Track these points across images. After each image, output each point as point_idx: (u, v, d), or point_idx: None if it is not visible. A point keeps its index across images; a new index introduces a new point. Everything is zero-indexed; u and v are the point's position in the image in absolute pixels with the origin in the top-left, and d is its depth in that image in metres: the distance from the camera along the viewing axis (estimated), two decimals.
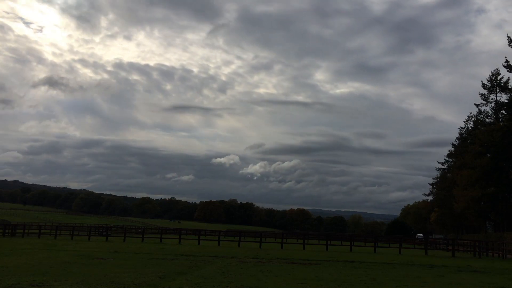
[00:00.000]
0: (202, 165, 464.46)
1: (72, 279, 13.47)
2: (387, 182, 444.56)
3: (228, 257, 25.04)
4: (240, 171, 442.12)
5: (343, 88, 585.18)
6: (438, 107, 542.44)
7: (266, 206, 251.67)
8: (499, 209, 62.58)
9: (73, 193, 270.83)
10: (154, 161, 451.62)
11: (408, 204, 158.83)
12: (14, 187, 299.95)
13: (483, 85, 67.15)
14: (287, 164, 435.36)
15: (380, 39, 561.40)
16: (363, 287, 14.04)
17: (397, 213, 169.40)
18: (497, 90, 65.69)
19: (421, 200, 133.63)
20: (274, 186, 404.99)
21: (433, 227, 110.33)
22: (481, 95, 67.30)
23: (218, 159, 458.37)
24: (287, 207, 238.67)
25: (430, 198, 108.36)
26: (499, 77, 65.79)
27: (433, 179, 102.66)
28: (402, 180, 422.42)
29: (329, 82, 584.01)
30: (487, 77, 66.66)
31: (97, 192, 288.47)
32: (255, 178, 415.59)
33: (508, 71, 59.33)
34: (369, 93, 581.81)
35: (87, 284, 12.41)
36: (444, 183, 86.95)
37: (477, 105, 69.47)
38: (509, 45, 57.65)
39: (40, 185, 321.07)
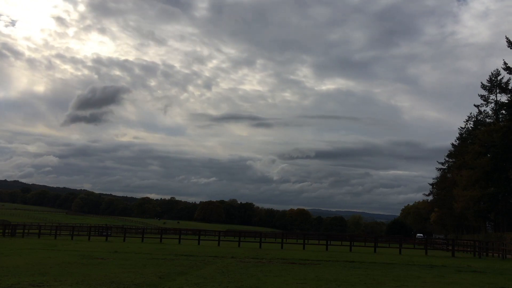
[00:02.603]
0: (222, 168, 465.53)
1: (72, 279, 13.47)
2: (405, 184, 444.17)
3: (228, 257, 25.04)
4: (260, 174, 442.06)
5: (329, 85, 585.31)
6: (428, 104, 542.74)
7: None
8: (499, 209, 62.55)
9: (72, 193, 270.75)
10: (175, 163, 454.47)
11: (408, 204, 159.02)
12: (14, 187, 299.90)
13: (483, 86, 67.24)
14: (307, 167, 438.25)
15: (361, 30, 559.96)
16: (363, 287, 14.03)
17: (398, 213, 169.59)
18: (497, 91, 65.73)
19: (421, 200, 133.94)
20: (287, 188, 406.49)
21: (433, 227, 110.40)
22: (481, 95, 67.37)
23: (239, 162, 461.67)
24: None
25: (430, 198, 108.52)
26: (499, 78, 65.87)
27: (433, 179, 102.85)
28: (420, 183, 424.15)
29: (314, 78, 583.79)
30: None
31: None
32: (274, 179, 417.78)
33: (508, 73, 59.33)
34: (356, 90, 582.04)
35: (87, 284, 12.41)
36: (444, 183, 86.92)
37: (477, 106, 69.60)
38: (508, 47, 57.63)
39: (40, 185, 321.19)
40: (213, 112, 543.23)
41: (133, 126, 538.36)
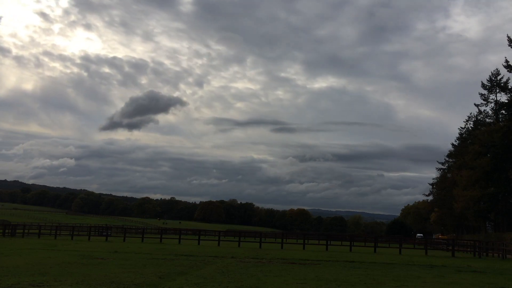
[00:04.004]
0: (234, 170, 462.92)
1: (72, 279, 13.47)
2: (413, 186, 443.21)
3: (228, 257, 25.04)
4: (273, 175, 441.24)
5: (322, 82, 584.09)
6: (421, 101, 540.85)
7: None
8: (499, 209, 62.59)
9: (72, 193, 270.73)
10: (186, 165, 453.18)
11: (408, 204, 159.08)
12: (14, 187, 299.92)
13: (483, 85, 67.22)
14: (318, 169, 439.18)
15: (351, 25, 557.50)
16: (363, 287, 14.03)
17: (398, 214, 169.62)
18: (497, 90, 65.71)
19: (421, 200, 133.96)
20: (293, 188, 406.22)
21: (433, 227, 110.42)
22: (481, 95, 67.33)
23: (248, 164, 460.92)
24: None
25: (430, 198, 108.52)
26: (499, 77, 65.84)
27: (433, 179, 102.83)
28: (427, 184, 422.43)
29: (305, 75, 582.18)
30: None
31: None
32: (282, 181, 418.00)
33: (508, 71, 59.31)
34: (348, 88, 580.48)
35: (87, 284, 12.41)
36: (444, 183, 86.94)
37: (477, 105, 69.57)
38: (509, 45, 57.64)
39: (40, 185, 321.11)
40: (207, 111, 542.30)
41: (164, 133, 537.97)
